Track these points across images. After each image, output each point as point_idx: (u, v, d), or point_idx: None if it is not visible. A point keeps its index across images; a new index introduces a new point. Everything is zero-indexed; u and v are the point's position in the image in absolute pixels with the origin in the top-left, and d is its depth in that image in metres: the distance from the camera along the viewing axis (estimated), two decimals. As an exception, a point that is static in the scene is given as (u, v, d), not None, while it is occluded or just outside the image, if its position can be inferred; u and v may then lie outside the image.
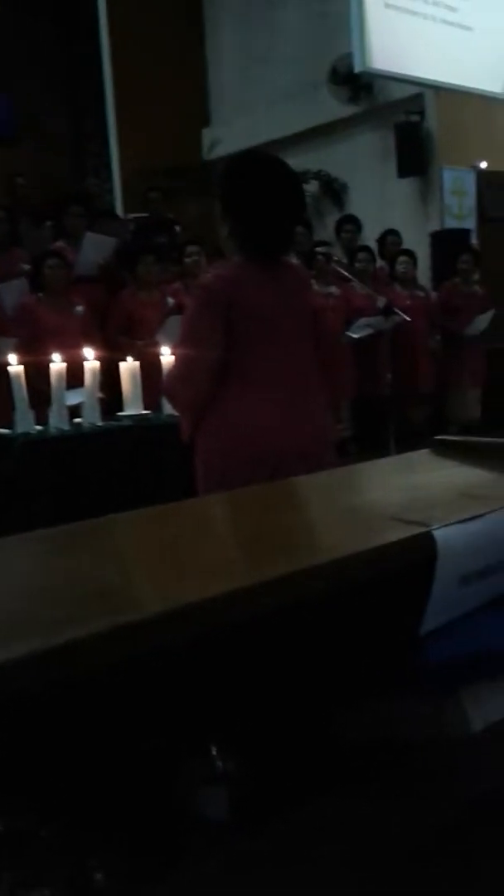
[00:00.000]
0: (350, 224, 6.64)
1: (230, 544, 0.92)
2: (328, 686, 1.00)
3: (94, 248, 5.25)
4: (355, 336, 5.60)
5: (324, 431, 2.19)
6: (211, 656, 0.75)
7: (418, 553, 0.94)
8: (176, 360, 2.22)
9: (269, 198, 2.05)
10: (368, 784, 0.91)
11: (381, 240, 6.75)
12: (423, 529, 0.96)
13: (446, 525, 0.98)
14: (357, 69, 6.91)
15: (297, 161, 8.25)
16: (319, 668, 1.00)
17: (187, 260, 5.18)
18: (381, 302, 5.39)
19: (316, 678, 0.99)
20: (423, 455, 1.32)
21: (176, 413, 2.32)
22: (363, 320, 5.60)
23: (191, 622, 0.66)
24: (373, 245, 6.62)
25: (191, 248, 5.20)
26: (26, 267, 4.97)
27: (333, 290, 5.83)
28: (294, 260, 6.08)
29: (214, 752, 0.82)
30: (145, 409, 3.57)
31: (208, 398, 2.09)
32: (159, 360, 3.35)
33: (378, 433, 5.28)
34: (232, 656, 0.79)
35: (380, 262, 6.47)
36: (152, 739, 0.79)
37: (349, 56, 6.98)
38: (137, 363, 3.56)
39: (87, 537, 0.88)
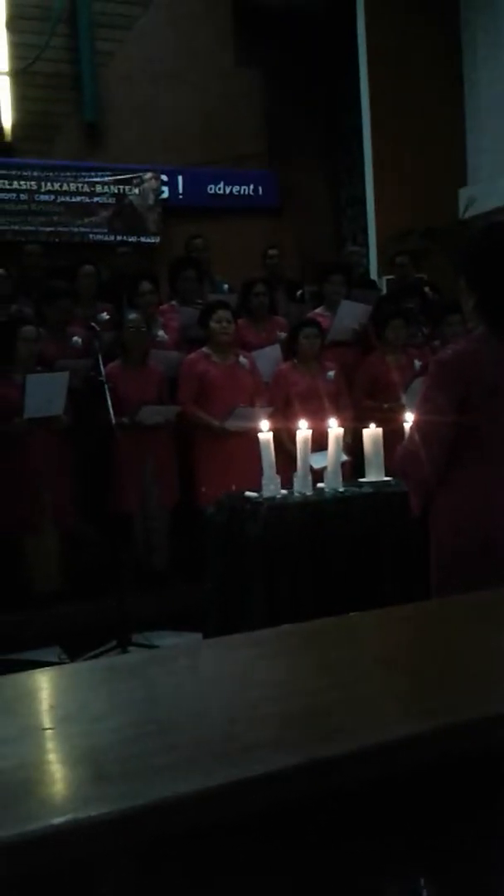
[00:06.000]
0: None
1: (423, 673, 0.91)
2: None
3: (350, 316, 5.39)
4: None
5: None
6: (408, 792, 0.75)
7: None
8: (409, 436, 2.22)
9: None
10: None
11: None
12: None
13: None
14: None
15: None
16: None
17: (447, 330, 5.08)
18: None
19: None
20: None
21: (408, 489, 2.30)
22: None
23: (374, 762, 0.67)
24: None
25: (452, 318, 5.11)
26: (282, 335, 5.23)
27: None
28: None
29: (423, 883, 0.81)
30: (387, 475, 3.56)
31: (441, 476, 2.06)
32: (402, 427, 3.34)
33: None
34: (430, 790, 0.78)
35: None
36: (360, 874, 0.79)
37: None
38: (380, 430, 3.57)
39: (298, 644, 0.91)
